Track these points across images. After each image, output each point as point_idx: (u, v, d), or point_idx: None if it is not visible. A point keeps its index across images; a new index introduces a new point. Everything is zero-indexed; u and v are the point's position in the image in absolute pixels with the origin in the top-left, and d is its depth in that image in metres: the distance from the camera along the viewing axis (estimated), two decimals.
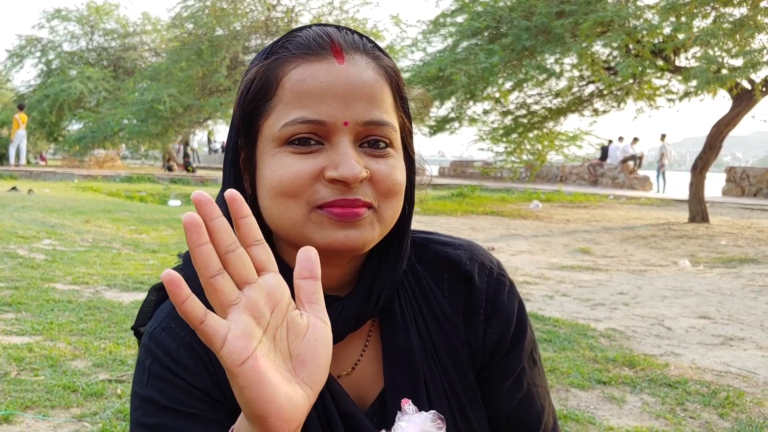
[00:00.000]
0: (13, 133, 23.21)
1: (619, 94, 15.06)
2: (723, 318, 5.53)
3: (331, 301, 0.93)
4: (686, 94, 12.70)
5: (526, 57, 13.11)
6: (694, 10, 11.39)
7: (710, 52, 11.33)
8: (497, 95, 14.51)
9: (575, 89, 15.48)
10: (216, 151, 41.27)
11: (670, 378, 3.90)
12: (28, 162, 27.15)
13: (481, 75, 12.61)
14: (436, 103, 14.33)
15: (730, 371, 4.13)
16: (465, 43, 14.07)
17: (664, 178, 24.01)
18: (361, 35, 0.94)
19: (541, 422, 1.05)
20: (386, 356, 0.98)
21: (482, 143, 16.37)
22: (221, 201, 0.94)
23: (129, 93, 24.42)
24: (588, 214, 14.98)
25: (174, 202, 16.19)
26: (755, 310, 5.81)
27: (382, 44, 14.72)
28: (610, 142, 25.72)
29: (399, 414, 0.91)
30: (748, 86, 11.84)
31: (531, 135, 16.14)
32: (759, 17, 10.95)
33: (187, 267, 0.93)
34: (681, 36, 11.56)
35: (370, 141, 0.89)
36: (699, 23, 11.84)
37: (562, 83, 14.84)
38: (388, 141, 0.90)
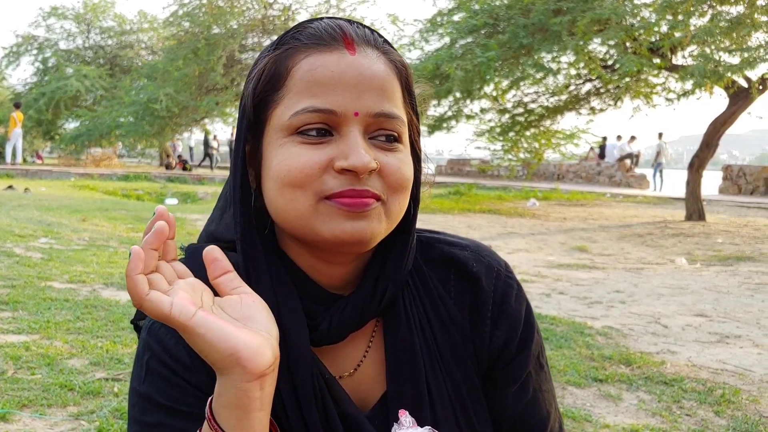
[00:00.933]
0: (10, 132, 23.16)
1: (615, 92, 15.08)
2: (719, 316, 5.54)
3: (334, 300, 0.93)
4: (683, 93, 12.73)
5: (523, 55, 13.11)
6: (691, 8, 11.40)
7: (707, 50, 11.35)
8: (494, 93, 14.51)
9: (572, 87, 15.50)
10: (211, 155, 41.13)
11: (666, 376, 3.91)
12: (24, 160, 27.10)
13: (477, 70, 12.60)
14: (434, 101, 14.33)
15: (726, 369, 4.14)
16: (462, 41, 14.06)
17: (661, 176, 24.06)
18: (372, 30, 0.94)
19: (546, 428, 1.03)
20: (389, 358, 0.96)
21: (479, 141, 16.38)
22: (228, 190, 0.95)
23: (126, 91, 24.39)
24: (585, 212, 15.00)
25: (171, 201, 16.20)
26: (751, 308, 5.83)
27: None
28: (605, 139, 25.75)
29: (395, 426, 0.90)
30: (745, 84, 11.86)
31: (528, 133, 16.14)
32: (756, 15, 10.97)
33: (187, 259, 0.93)
34: (678, 34, 11.58)
35: (380, 134, 0.88)
36: (696, 21, 11.87)
37: (560, 81, 14.85)
38: (397, 135, 0.89)
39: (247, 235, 0.91)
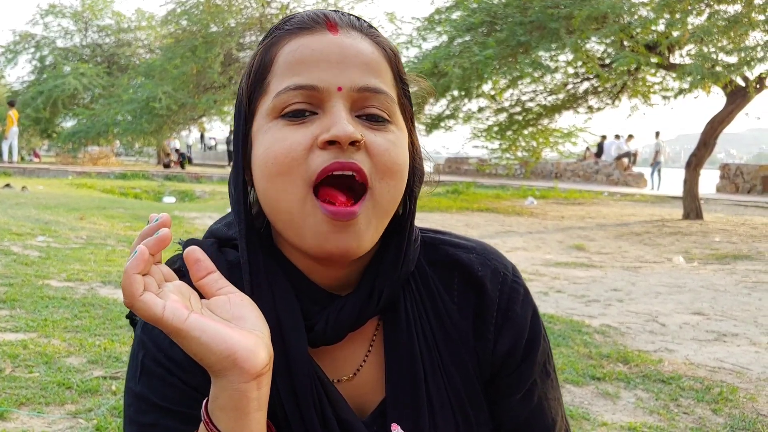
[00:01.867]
0: (7, 130, 23.12)
1: (613, 91, 15.10)
2: (717, 314, 5.55)
3: (332, 300, 0.91)
4: (681, 91, 12.73)
5: (521, 53, 13.11)
6: (689, 7, 11.41)
7: (704, 49, 11.36)
8: (492, 92, 14.51)
9: (570, 86, 15.51)
10: (210, 147, 41.18)
11: (663, 374, 3.92)
12: (22, 159, 27.06)
13: (475, 68, 12.60)
14: (431, 99, 14.32)
15: (723, 367, 4.15)
16: (460, 39, 14.06)
17: (659, 175, 24.09)
18: (358, 17, 0.92)
19: None
20: (388, 363, 0.93)
21: (477, 140, 16.37)
22: (231, 181, 0.93)
23: (123, 90, 24.34)
24: (583, 210, 15.01)
25: (168, 199, 16.18)
26: (749, 307, 5.84)
27: None
28: (604, 138, 25.78)
29: None
30: (742, 83, 11.87)
31: (526, 132, 16.15)
32: (753, 14, 10.97)
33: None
34: (675, 33, 11.59)
35: (368, 114, 0.85)
36: (693, 20, 11.88)
37: (557, 80, 14.86)
38: (387, 115, 0.86)
39: (246, 233, 0.89)
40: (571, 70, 14.56)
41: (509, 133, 15.98)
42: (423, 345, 0.94)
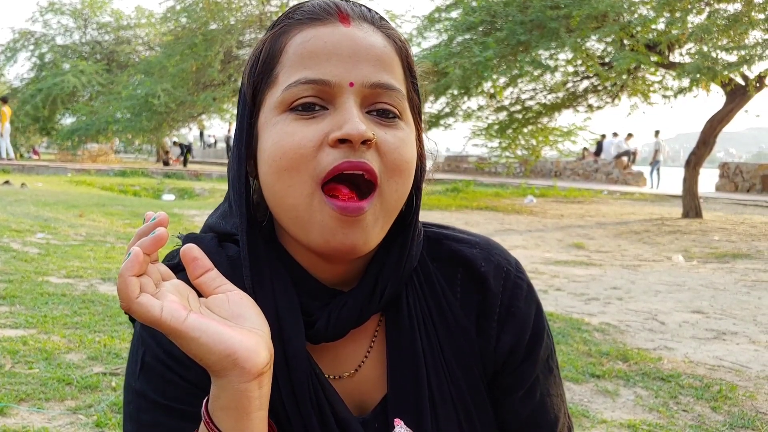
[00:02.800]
0: (2, 127, 23.06)
1: (613, 89, 15.10)
2: (716, 312, 5.55)
3: (333, 296, 0.90)
4: (680, 90, 12.74)
5: (521, 52, 13.12)
6: (689, 6, 11.41)
7: (704, 47, 11.36)
8: (492, 91, 14.51)
9: (569, 85, 15.51)
10: (210, 145, 41.13)
11: (663, 372, 3.92)
12: (21, 156, 27.04)
13: (475, 69, 12.60)
14: (431, 98, 14.32)
15: (722, 365, 4.15)
16: (460, 38, 14.06)
17: (658, 173, 24.11)
18: (369, 8, 0.90)
19: None
20: (390, 359, 0.92)
21: (477, 139, 16.37)
22: (233, 173, 0.90)
23: (122, 87, 24.32)
24: (582, 209, 15.01)
25: (168, 197, 16.18)
26: (748, 305, 5.84)
27: None
28: (603, 137, 25.80)
29: None
30: (742, 82, 11.87)
31: (525, 130, 16.15)
32: (753, 13, 10.98)
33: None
34: (675, 31, 11.59)
35: (379, 109, 0.83)
36: (693, 19, 11.88)
37: (557, 78, 14.86)
38: (397, 111, 0.85)
39: (248, 227, 0.88)
40: (570, 69, 14.56)
41: (509, 131, 15.98)
42: (425, 341, 0.93)
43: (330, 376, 0.92)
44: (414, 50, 14.81)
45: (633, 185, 23.27)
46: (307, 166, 0.80)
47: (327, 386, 0.89)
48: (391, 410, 0.90)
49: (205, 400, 0.80)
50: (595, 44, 13.45)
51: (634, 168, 25.37)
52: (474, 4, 13.88)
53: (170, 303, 0.74)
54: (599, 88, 15.29)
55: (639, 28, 11.79)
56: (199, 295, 0.82)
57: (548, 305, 5.55)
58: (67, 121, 28.14)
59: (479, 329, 0.96)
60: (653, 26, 11.84)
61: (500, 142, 16.31)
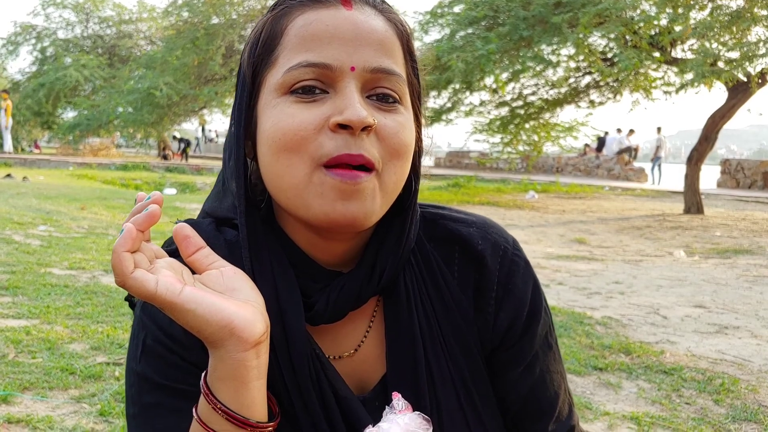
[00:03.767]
0: (6, 120, 23.04)
1: (615, 85, 15.08)
2: (718, 307, 5.55)
3: (332, 278, 0.90)
4: (682, 86, 12.73)
5: (523, 47, 13.10)
6: (691, 2, 11.39)
7: (707, 44, 11.34)
8: (494, 86, 14.49)
9: (572, 80, 15.49)
10: (211, 140, 41.13)
11: (665, 365, 3.92)
12: (23, 150, 27.04)
13: (478, 62, 12.58)
14: (433, 92, 14.31)
15: (725, 359, 4.15)
16: (462, 33, 14.04)
17: (659, 169, 24.10)
18: None
19: (555, 409, 0.99)
20: (389, 339, 0.93)
21: (479, 134, 16.35)
22: (231, 154, 0.91)
23: (124, 81, 24.31)
24: (584, 204, 15.00)
25: (169, 191, 16.17)
26: (750, 300, 5.84)
27: None
28: (606, 133, 25.80)
29: (387, 409, 0.86)
30: (744, 79, 11.85)
31: (527, 126, 16.13)
32: (756, 9, 10.95)
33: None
34: (678, 28, 11.56)
35: (379, 94, 0.84)
36: (696, 15, 11.85)
37: (559, 74, 14.85)
38: (397, 96, 0.85)
39: (246, 208, 0.88)
40: (573, 64, 14.54)
41: (511, 127, 15.97)
42: (423, 320, 0.94)
43: (330, 356, 0.92)
44: (416, 44, 14.94)
45: (634, 181, 23.26)
46: (308, 148, 0.81)
47: (327, 366, 0.90)
48: (390, 388, 0.91)
49: (204, 373, 0.81)
50: (597, 40, 13.42)
51: (636, 164, 25.36)
52: None
53: (165, 277, 0.75)
54: (601, 83, 15.27)
55: (642, 25, 11.77)
56: (194, 273, 0.82)
57: (551, 299, 5.55)
58: (69, 115, 28.11)
59: (477, 307, 0.96)
60: (655, 22, 11.81)
61: (502, 138, 16.29)
